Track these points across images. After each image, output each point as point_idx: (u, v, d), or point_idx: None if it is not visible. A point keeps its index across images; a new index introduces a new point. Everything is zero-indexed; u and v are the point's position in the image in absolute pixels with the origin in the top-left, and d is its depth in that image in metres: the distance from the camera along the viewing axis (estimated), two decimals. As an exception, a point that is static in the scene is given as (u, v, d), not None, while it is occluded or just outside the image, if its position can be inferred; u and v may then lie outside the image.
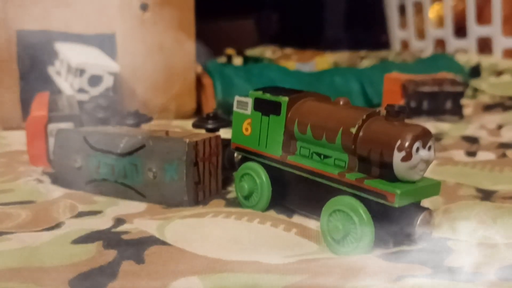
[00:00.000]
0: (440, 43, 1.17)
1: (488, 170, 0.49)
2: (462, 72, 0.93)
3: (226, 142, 0.42)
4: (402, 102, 0.71)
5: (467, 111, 0.79)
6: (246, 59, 1.08)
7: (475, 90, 0.94)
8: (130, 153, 0.39)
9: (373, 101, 0.81)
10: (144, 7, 0.71)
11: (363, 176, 0.31)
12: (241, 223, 0.35)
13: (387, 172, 0.30)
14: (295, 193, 0.36)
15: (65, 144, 0.42)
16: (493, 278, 0.27)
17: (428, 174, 0.32)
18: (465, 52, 1.09)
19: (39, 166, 0.47)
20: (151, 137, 0.39)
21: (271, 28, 1.66)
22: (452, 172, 0.48)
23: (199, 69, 0.79)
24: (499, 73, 0.96)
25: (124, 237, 0.32)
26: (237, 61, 1.06)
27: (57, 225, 0.35)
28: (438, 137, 0.63)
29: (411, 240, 0.31)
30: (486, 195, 0.42)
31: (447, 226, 0.35)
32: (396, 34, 1.32)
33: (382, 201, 0.29)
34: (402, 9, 1.29)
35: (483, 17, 1.07)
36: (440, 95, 0.72)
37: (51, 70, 0.69)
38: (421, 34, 1.23)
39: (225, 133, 0.43)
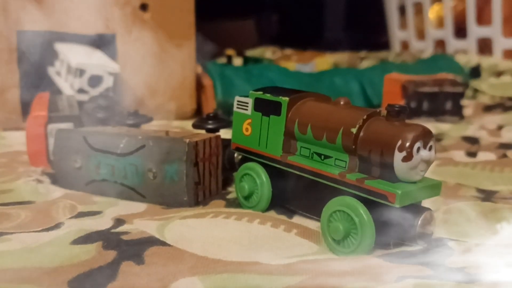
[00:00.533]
0: (440, 43, 1.17)
1: (488, 170, 0.49)
2: (462, 73, 0.93)
3: (226, 143, 0.42)
4: (402, 102, 0.71)
5: (467, 111, 0.79)
6: (246, 60, 1.08)
7: (475, 90, 0.94)
8: (130, 153, 0.39)
9: (373, 102, 0.81)
10: (144, 8, 0.71)
11: (364, 177, 0.31)
12: (242, 223, 0.35)
13: (387, 173, 0.30)
14: (295, 194, 0.36)
15: (65, 144, 0.42)
16: (494, 278, 0.27)
17: (429, 174, 0.32)
18: (465, 53, 1.09)
19: (39, 167, 0.47)
20: (151, 138, 0.39)
21: (271, 28, 1.66)
22: (452, 173, 0.48)
23: (199, 69, 0.79)
24: (499, 73, 0.96)
25: (124, 237, 0.32)
26: (237, 61, 1.06)
27: (57, 226, 0.34)
28: (438, 138, 0.63)
29: (411, 241, 0.30)
30: (487, 196, 0.41)
31: (448, 226, 0.35)
32: (396, 34, 1.32)
33: (382, 202, 0.29)
34: (402, 10, 1.29)
35: (483, 17, 1.07)
36: (440, 96, 0.72)
37: (51, 71, 0.69)
38: (421, 35, 1.23)
39: (225, 133, 0.43)
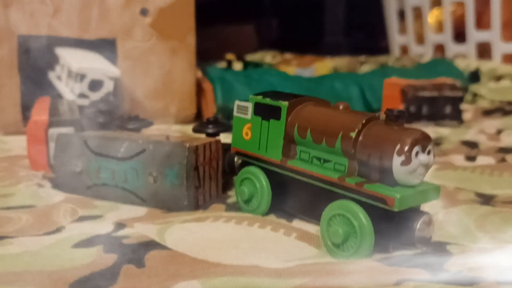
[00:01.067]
0: (440, 48, 1.17)
1: (487, 174, 0.49)
2: (462, 77, 0.93)
3: (226, 147, 0.42)
4: (401, 107, 0.71)
5: (466, 116, 0.79)
6: (246, 64, 1.08)
7: (475, 95, 0.94)
8: (130, 157, 0.39)
9: (372, 106, 0.81)
10: (144, 12, 0.71)
11: (363, 180, 0.31)
12: (241, 227, 0.35)
13: (386, 176, 0.30)
14: (295, 198, 0.36)
15: (65, 148, 0.42)
16: (492, 282, 0.27)
17: (428, 178, 0.32)
18: (465, 57, 1.09)
19: (40, 171, 0.47)
20: (152, 142, 0.39)
21: (271, 33, 1.66)
22: (451, 177, 0.48)
23: (199, 74, 0.79)
24: (498, 78, 0.97)
25: (125, 241, 0.32)
26: (237, 66, 1.06)
27: (58, 229, 0.35)
28: (437, 142, 0.63)
29: (410, 245, 0.31)
30: (486, 200, 0.42)
31: (447, 230, 0.35)
32: (396, 39, 1.32)
33: (381, 205, 0.29)
34: (401, 14, 1.29)
35: (482, 22, 1.07)
36: (440, 100, 0.72)
37: (52, 75, 0.69)
38: (420, 39, 1.23)
39: (225, 137, 0.44)
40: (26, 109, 0.65)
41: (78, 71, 0.61)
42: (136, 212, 0.38)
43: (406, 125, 0.31)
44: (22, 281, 0.27)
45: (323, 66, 1.09)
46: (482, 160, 0.55)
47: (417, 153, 0.29)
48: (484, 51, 1.08)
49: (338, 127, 0.32)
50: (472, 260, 0.30)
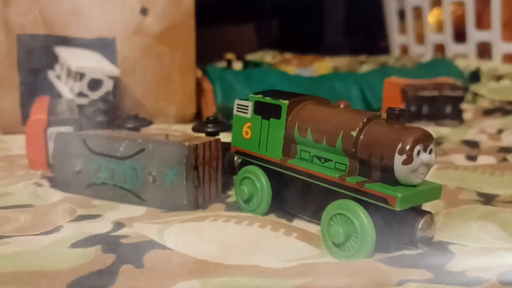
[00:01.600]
0: (440, 48, 1.17)
1: (488, 174, 0.49)
2: (462, 77, 0.93)
3: (226, 146, 0.42)
4: (402, 106, 0.71)
5: (467, 115, 0.79)
6: (246, 64, 1.08)
7: (475, 94, 0.94)
8: (129, 156, 0.39)
9: (373, 106, 0.81)
10: (144, 12, 0.71)
11: (364, 180, 0.31)
12: (241, 227, 0.35)
13: (388, 176, 0.30)
14: (295, 197, 0.36)
15: (64, 148, 0.42)
16: (495, 282, 0.27)
17: (429, 178, 0.31)
18: (465, 57, 1.09)
19: (39, 170, 0.47)
20: (151, 141, 0.38)
21: (271, 33, 1.66)
22: (452, 176, 0.48)
23: (199, 73, 0.79)
24: (498, 78, 0.96)
25: (124, 241, 0.32)
26: (237, 66, 1.06)
27: (56, 229, 0.34)
28: (438, 142, 0.62)
29: (412, 244, 0.30)
30: (487, 199, 0.41)
31: (448, 230, 0.34)
32: (396, 39, 1.32)
33: (383, 205, 0.29)
34: (401, 14, 1.29)
35: (482, 22, 1.07)
36: (440, 100, 0.72)
37: (51, 74, 0.69)
38: (420, 39, 1.23)
39: (225, 137, 0.43)
40: (25, 108, 0.65)
41: (77, 70, 0.61)
42: (135, 211, 0.38)
43: (407, 124, 0.31)
44: (20, 281, 0.27)
45: (323, 66, 1.09)
46: (483, 159, 0.55)
47: (418, 152, 0.29)
48: (484, 51, 1.08)
49: (339, 126, 0.32)
50: (474, 260, 0.30)
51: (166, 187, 0.38)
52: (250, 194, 0.37)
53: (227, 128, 0.44)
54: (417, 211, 0.30)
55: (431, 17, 1.19)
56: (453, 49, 1.13)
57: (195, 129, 0.45)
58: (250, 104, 0.38)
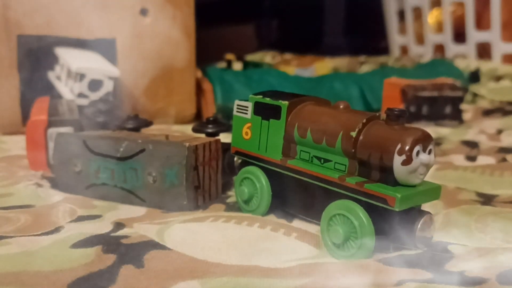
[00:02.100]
0: (439, 48, 1.17)
1: (488, 174, 0.49)
2: (462, 77, 0.93)
3: (226, 146, 0.42)
4: (401, 107, 0.71)
5: (466, 116, 0.79)
6: (246, 65, 1.08)
7: (475, 95, 0.94)
8: (130, 157, 0.39)
9: (372, 106, 0.81)
10: (144, 12, 0.71)
11: (363, 180, 0.31)
12: (241, 227, 0.35)
13: (387, 176, 0.30)
14: (295, 198, 0.36)
15: (64, 148, 0.42)
16: (494, 282, 0.27)
17: (428, 178, 0.32)
18: (464, 57, 1.09)
19: (39, 171, 0.47)
20: (151, 141, 0.39)
21: (271, 33, 1.66)
22: (452, 177, 0.48)
23: (199, 74, 0.79)
24: (498, 78, 0.97)
25: (124, 241, 0.32)
26: (237, 66, 1.06)
27: (56, 230, 0.34)
28: (438, 142, 0.63)
29: (411, 245, 0.30)
30: (487, 200, 0.41)
31: (448, 230, 0.35)
32: (396, 39, 1.32)
33: (382, 205, 0.29)
34: (401, 15, 1.29)
35: (482, 22, 1.07)
36: (440, 100, 0.72)
37: (51, 75, 0.69)
38: (420, 40, 1.23)
39: (225, 137, 0.43)
40: (25, 109, 0.65)
41: (77, 71, 0.61)
42: (136, 212, 0.38)
43: (407, 125, 0.31)
44: (20, 282, 0.27)
45: (323, 66, 1.09)
46: (482, 160, 0.55)
47: (418, 153, 0.29)
48: (484, 51, 1.08)
49: (339, 127, 0.32)
50: (473, 261, 0.30)
51: (166, 188, 0.38)
52: (250, 194, 0.37)
53: (227, 128, 0.44)
54: (417, 211, 0.30)
55: (431, 17, 1.19)
56: (453, 49, 1.13)
57: (195, 130, 0.45)
58: (250, 105, 0.38)
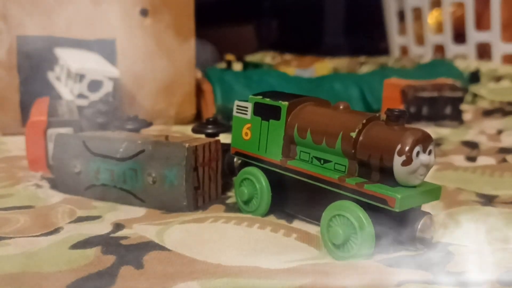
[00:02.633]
0: (439, 49, 1.17)
1: (488, 175, 0.49)
2: (462, 78, 0.93)
3: (226, 147, 0.42)
4: (401, 107, 0.71)
5: (466, 116, 0.79)
6: (246, 65, 1.08)
7: (475, 95, 0.94)
8: (129, 158, 0.39)
9: (372, 107, 0.81)
10: (144, 13, 0.71)
11: (363, 181, 0.31)
12: (241, 228, 0.35)
13: (387, 177, 0.30)
14: (295, 198, 0.36)
15: (64, 149, 0.42)
16: (494, 283, 0.27)
17: (428, 179, 0.31)
18: (464, 58, 1.09)
19: (38, 171, 0.47)
20: (151, 142, 0.38)
21: (271, 34, 1.66)
22: (452, 177, 0.48)
23: (199, 74, 0.79)
24: (498, 78, 0.97)
25: (123, 242, 0.32)
26: (237, 67, 1.06)
27: (56, 230, 0.34)
28: (438, 143, 0.62)
29: (411, 245, 0.30)
30: (487, 200, 0.41)
31: (448, 231, 0.34)
32: (396, 40, 1.32)
33: (382, 206, 0.29)
34: (401, 15, 1.29)
35: (482, 23, 1.07)
36: (440, 101, 0.72)
37: (51, 76, 0.69)
38: (420, 40, 1.23)
39: (225, 138, 0.43)
40: (25, 110, 0.65)
41: (77, 72, 0.61)
42: (135, 212, 0.38)
43: (407, 125, 0.31)
44: (19, 282, 0.27)
45: (323, 67, 1.09)
46: (482, 160, 0.55)
47: (418, 153, 0.29)
48: (484, 51, 1.08)
49: (338, 127, 0.32)
50: (473, 261, 0.30)
51: (165, 188, 0.38)
52: (249, 195, 0.37)
53: (227, 129, 0.44)
54: (417, 212, 0.30)
55: (431, 18, 1.19)
56: (452, 50, 1.13)
57: (194, 130, 0.45)
58: (249, 105, 0.38)
